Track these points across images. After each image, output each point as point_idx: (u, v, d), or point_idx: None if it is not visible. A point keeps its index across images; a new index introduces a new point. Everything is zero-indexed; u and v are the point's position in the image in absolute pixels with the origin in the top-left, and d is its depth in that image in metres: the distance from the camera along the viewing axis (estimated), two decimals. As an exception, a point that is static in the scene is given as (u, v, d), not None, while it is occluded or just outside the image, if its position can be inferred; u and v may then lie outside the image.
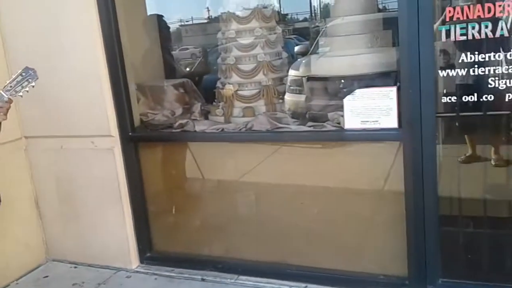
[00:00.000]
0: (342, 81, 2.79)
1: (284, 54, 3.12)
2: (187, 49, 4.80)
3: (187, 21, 4.90)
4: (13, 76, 2.08)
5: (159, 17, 3.67)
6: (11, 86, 2.07)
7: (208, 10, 4.68)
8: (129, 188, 3.01)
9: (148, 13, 3.66)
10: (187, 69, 3.79)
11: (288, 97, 3.19)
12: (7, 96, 2.04)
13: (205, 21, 4.75)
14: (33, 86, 2.10)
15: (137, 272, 3.04)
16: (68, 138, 3.05)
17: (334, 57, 3.08)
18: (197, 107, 3.18)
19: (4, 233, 2.81)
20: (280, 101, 3.02)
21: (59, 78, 2.85)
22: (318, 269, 2.66)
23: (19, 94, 2.08)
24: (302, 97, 3.14)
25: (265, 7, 3.01)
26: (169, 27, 3.80)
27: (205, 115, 3.13)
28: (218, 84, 3.08)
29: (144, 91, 3.32)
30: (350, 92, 2.42)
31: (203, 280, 2.84)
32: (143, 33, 3.52)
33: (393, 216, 2.49)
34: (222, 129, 2.85)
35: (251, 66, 2.95)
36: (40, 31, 2.92)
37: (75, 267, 3.19)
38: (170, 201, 3.16)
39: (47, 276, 3.13)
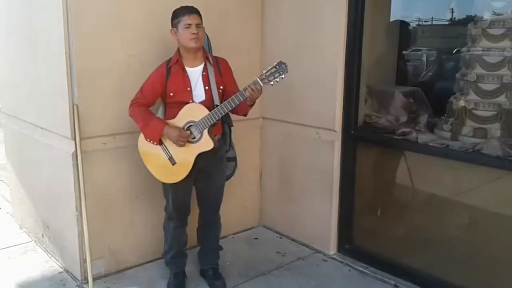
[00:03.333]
0: None
1: (535, 79, 2.82)
2: (420, 50, 4.62)
3: (425, 21, 4.70)
4: (269, 67, 2.43)
5: (403, 23, 3.68)
6: (265, 76, 2.43)
7: (452, 12, 4.43)
8: (341, 181, 3.22)
9: (392, 16, 3.71)
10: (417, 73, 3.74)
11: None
12: (261, 84, 2.43)
13: (446, 23, 4.49)
14: (282, 78, 2.43)
15: (333, 258, 3.25)
16: (296, 125, 3.41)
17: None
18: (423, 118, 3.15)
19: (232, 193, 3.29)
20: (519, 127, 2.77)
21: (301, 72, 3.17)
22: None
23: (270, 83, 2.43)
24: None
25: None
26: (410, 35, 3.79)
27: (431, 127, 3.08)
28: (452, 99, 2.99)
29: (373, 94, 3.44)
30: None
31: (396, 286, 2.88)
32: (383, 38, 3.62)
33: None
34: (447, 145, 2.79)
35: (494, 87, 2.76)
36: (293, 30, 3.32)
37: (280, 238, 3.61)
38: (376, 203, 3.25)
39: (256, 238, 3.62)
